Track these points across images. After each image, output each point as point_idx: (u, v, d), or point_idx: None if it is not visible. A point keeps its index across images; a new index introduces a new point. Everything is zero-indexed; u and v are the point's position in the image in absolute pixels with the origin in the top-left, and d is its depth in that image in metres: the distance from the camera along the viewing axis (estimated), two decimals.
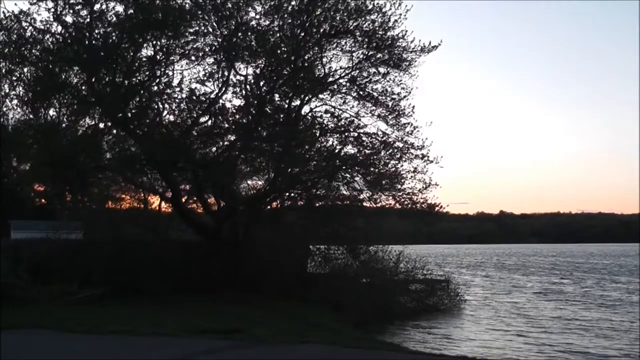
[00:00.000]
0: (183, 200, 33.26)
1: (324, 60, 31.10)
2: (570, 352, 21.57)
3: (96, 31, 28.38)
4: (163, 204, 35.85)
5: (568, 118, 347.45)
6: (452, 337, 25.21)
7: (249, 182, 34.87)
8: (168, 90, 30.24)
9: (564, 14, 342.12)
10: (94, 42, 28.24)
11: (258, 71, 30.69)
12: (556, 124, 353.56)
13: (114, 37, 28.41)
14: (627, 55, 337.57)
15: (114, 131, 31.63)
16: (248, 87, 30.94)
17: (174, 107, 30.79)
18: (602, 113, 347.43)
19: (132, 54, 29.12)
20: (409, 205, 30.93)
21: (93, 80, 28.89)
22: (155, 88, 30.30)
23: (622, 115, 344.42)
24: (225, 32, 29.78)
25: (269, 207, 33.52)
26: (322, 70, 31.04)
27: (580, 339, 24.39)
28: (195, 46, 29.64)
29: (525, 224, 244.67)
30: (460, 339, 24.81)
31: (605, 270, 70.88)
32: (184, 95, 30.26)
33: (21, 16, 27.62)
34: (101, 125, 31.82)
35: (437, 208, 31.24)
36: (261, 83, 30.92)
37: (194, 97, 30.27)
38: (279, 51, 29.93)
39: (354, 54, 30.92)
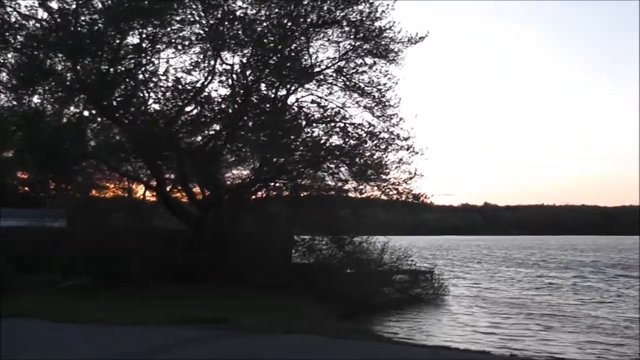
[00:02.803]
0: (168, 189, 33.13)
1: (311, 50, 31.18)
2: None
3: (82, 18, 28.12)
4: (148, 192, 35.72)
5: (551, 109, 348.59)
6: (434, 328, 25.35)
7: (234, 171, 34.77)
8: (154, 79, 30.13)
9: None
10: (79, 28, 28.01)
11: (244, 60, 30.59)
12: (538, 115, 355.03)
13: (99, 24, 28.20)
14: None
15: (99, 119, 31.42)
16: (234, 76, 30.87)
17: (159, 96, 30.62)
18: (586, 106, 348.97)
19: (117, 41, 28.94)
20: (394, 196, 30.98)
21: (78, 67, 28.69)
22: (141, 76, 30.18)
23: (606, 108, 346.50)
24: (212, 21, 29.67)
25: (254, 196, 33.44)
26: (309, 60, 31.07)
27: (569, 335, 24.13)
28: (181, 35, 29.48)
29: (510, 216, 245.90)
30: (441, 330, 24.93)
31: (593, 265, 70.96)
32: (169, 84, 30.14)
33: (5, 1, 27.39)
34: (86, 113, 31.61)
35: (421, 198, 31.30)
36: (247, 72, 30.83)
37: (180, 86, 30.14)
38: (265, 40, 29.86)
39: (340, 44, 31.01)
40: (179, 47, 29.65)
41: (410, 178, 30.56)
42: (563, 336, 23.63)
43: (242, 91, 30.81)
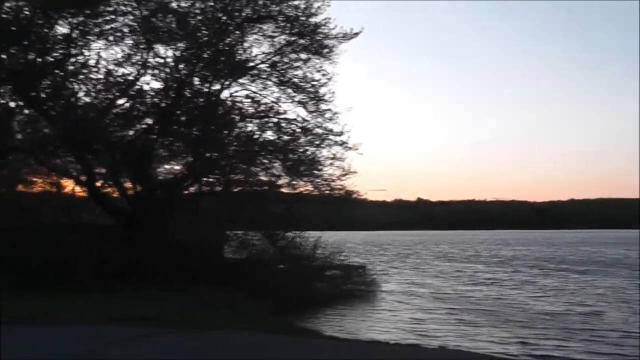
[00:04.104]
0: (98, 184, 32.48)
1: (245, 44, 31.06)
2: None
3: (7, 4, 27.36)
4: (77, 187, 34.95)
5: (482, 106, 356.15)
6: (365, 323, 25.52)
7: (167, 166, 34.28)
8: (84, 71, 29.48)
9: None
10: (4, 15, 27.23)
11: (178, 54, 30.30)
12: (470, 111, 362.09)
13: (26, 12, 27.47)
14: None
15: (26, 111, 30.64)
16: (167, 70, 30.50)
17: (90, 88, 30.06)
18: (515, 102, 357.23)
19: (46, 30, 28.23)
20: (327, 192, 31.17)
21: (4, 56, 27.91)
22: (71, 67, 29.51)
23: (536, 104, 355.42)
24: (145, 13, 29.22)
25: (186, 192, 33.16)
26: (243, 55, 30.94)
27: (495, 329, 24.42)
28: (113, 26, 28.97)
29: (443, 211, 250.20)
30: (371, 325, 25.10)
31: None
32: (100, 76, 29.60)
33: None
34: (12, 104, 30.79)
35: (354, 195, 31.58)
36: (181, 66, 30.54)
37: (111, 79, 29.65)
38: (199, 34, 29.67)
39: (275, 39, 30.94)
40: (111, 38, 29.18)
41: (344, 175, 30.87)
42: (490, 330, 24.04)
43: (175, 85, 30.49)
